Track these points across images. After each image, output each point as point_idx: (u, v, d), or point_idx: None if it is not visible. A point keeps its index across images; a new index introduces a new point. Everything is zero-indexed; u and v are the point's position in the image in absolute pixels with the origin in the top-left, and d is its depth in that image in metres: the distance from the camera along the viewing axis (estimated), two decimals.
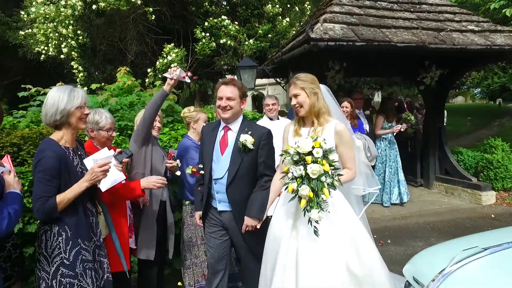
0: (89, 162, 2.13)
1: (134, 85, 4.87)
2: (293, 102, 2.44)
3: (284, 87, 7.85)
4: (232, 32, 8.88)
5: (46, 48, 8.92)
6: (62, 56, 8.66)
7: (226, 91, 2.60)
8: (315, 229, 2.09)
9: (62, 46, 8.44)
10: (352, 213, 2.35)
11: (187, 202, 3.29)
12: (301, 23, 9.82)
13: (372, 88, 16.85)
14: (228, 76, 11.50)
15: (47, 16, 8.56)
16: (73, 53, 8.50)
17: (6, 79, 12.76)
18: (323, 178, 2.04)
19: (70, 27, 8.19)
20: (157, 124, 3.12)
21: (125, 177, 2.44)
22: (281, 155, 2.29)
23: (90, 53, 9.11)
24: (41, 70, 11.49)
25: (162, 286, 3.23)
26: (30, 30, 8.97)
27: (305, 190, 2.05)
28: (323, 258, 2.14)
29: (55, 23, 8.59)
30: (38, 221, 2.66)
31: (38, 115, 3.97)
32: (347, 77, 6.98)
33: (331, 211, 2.17)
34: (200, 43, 8.45)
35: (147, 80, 7.92)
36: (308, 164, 2.05)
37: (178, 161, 3.08)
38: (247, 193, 2.57)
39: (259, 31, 9.47)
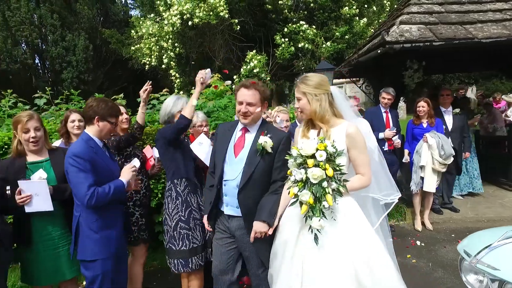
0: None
1: (225, 89, 5.68)
2: (296, 105, 2.33)
3: (361, 87, 8.02)
4: (310, 36, 9.32)
5: (149, 59, 10.51)
6: (163, 66, 10.13)
7: (246, 96, 2.45)
8: (315, 237, 1.98)
9: (163, 57, 9.88)
10: (365, 222, 2.18)
11: None
12: (380, 21, 9.81)
13: (464, 82, 15.64)
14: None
15: (151, 33, 10.11)
16: (171, 63, 9.89)
17: (116, 86, 15.12)
18: (324, 184, 1.93)
19: (170, 41, 9.57)
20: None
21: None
22: (289, 158, 2.12)
23: (184, 62, 10.45)
24: (144, 78, 13.47)
25: None
26: (138, 46, 10.66)
27: (305, 196, 1.95)
28: (330, 269, 2.01)
29: (157, 38, 10.11)
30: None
31: (151, 116, 5.01)
32: (427, 75, 6.87)
33: (342, 219, 2.08)
34: (280, 48, 9.09)
35: (233, 86, 8.76)
36: (309, 167, 1.95)
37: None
38: (259, 199, 2.43)
39: (336, 34, 9.74)
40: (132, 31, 11.08)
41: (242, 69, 8.90)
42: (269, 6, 9.27)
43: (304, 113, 2.26)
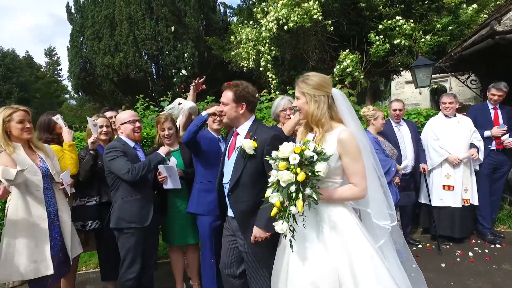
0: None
1: None
2: (294, 103, 2.28)
3: (465, 83, 7.52)
4: (406, 31, 9.01)
5: (247, 62, 11.46)
6: (261, 69, 10.96)
7: (222, 97, 2.55)
8: (290, 243, 1.93)
9: (261, 60, 10.69)
10: (359, 237, 2.02)
11: None
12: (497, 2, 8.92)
13: None
14: (403, 73, 11.44)
15: (249, 38, 11.02)
16: (268, 65, 10.65)
17: (216, 87, 16.68)
18: (292, 188, 1.84)
19: (266, 45, 10.31)
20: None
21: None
22: (268, 159, 2.08)
23: (280, 63, 11.10)
24: (241, 79, 14.64)
25: None
26: (237, 50, 11.70)
27: (274, 198, 1.90)
28: (311, 278, 1.95)
29: (254, 43, 10.97)
30: None
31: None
32: None
33: (328, 230, 2.00)
34: (374, 46, 9.03)
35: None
36: (280, 170, 1.90)
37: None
38: (252, 202, 2.41)
39: (437, 26, 9.20)
40: (232, 37, 12.21)
41: (335, 69, 9.12)
42: (363, 4, 9.26)
43: (302, 113, 2.20)
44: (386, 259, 2.10)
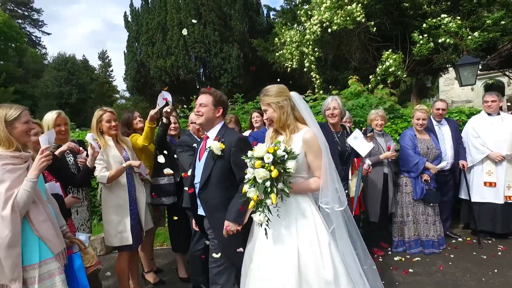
0: None
1: (363, 90, 6.36)
2: (265, 116, 2.49)
3: None
4: (452, 28, 8.90)
5: (291, 63, 11.88)
6: (305, 69, 11.36)
7: (199, 99, 2.71)
8: (265, 231, 2.15)
9: (305, 61, 11.09)
10: (318, 223, 2.27)
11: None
12: None
13: None
14: (451, 69, 11.16)
15: (292, 40, 11.45)
16: (312, 66, 11.02)
17: (260, 87, 17.28)
18: (267, 183, 2.05)
19: (310, 46, 10.69)
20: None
21: None
22: (244, 158, 2.25)
23: (323, 64, 11.43)
24: (284, 79, 15.11)
25: None
26: (281, 52, 12.17)
27: (251, 193, 2.11)
28: (273, 259, 2.19)
29: (297, 44, 11.37)
30: None
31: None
32: None
33: (292, 217, 2.23)
34: (418, 45, 9.05)
35: (369, 85, 8.98)
36: (256, 168, 2.09)
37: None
38: (220, 198, 2.56)
39: (487, 21, 9.00)
40: (276, 39, 12.71)
41: (377, 69, 9.26)
42: (406, 4, 9.30)
43: (274, 122, 2.39)
44: (339, 245, 2.31)
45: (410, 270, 4.05)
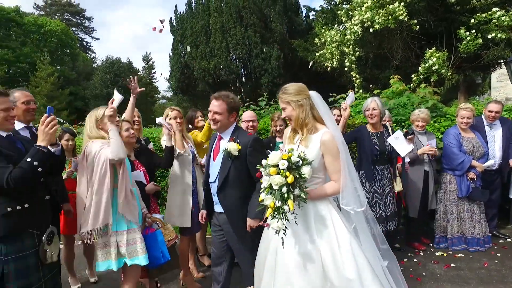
0: None
1: (404, 89, 6.42)
2: (283, 115, 2.46)
3: None
4: (505, 22, 8.51)
5: (331, 62, 11.99)
6: (345, 69, 11.44)
7: (213, 106, 2.74)
8: (282, 241, 2.11)
9: (345, 61, 11.16)
10: (339, 226, 2.26)
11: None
12: None
13: None
14: (502, 66, 10.62)
15: (332, 39, 11.55)
16: (352, 65, 11.07)
17: None
18: (284, 189, 2.03)
19: (351, 46, 10.75)
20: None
21: None
22: (259, 167, 2.21)
23: (363, 63, 11.42)
24: (323, 78, 15.18)
25: None
26: (321, 51, 12.31)
27: (268, 200, 2.09)
28: (299, 264, 2.18)
29: (338, 44, 11.45)
30: None
31: None
32: None
33: (316, 221, 2.23)
34: (464, 42, 8.81)
35: (411, 84, 8.78)
36: (272, 175, 2.07)
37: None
38: (239, 197, 2.66)
39: None
40: (316, 39, 12.85)
41: (420, 67, 9.13)
42: (452, 0, 9.07)
43: (292, 121, 2.38)
44: (362, 243, 2.32)
45: (452, 265, 4.11)
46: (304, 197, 2.09)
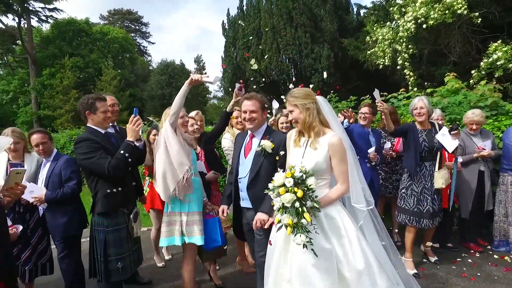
0: None
1: (461, 87, 6.25)
2: (290, 117, 2.55)
3: None
4: None
5: (383, 60, 11.76)
6: (397, 67, 11.18)
7: (248, 105, 2.90)
8: (312, 251, 2.17)
9: (398, 59, 10.91)
10: (350, 223, 2.36)
11: None
12: None
13: None
14: None
15: (384, 37, 11.33)
16: (405, 63, 10.80)
17: (349, 85, 17.27)
18: (297, 204, 2.11)
19: (404, 44, 10.49)
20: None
21: None
22: (265, 190, 2.32)
23: (417, 60, 11.07)
24: (375, 76, 14.86)
25: None
26: (372, 50, 12.13)
27: (285, 219, 2.16)
28: (315, 263, 2.23)
29: (390, 41, 11.21)
30: None
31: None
32: None
33: (327, 221, 2.31)
34: None
35: (471, 80, 8.42)
36: (281, 194, 2.16)
37: None
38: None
39: None
40: (367, 37, 12.67)
41: (482, 63, 8.66)
42: None
43: (299, 124, 2.48)
44: (368, 239, 2.45)
45: None
46: (318, 206, 2.18)
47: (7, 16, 27.24)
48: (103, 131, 3.03)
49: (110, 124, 3.57)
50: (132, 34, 45.10)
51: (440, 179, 3.93)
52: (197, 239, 3.12)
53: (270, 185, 2.24)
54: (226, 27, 18.79)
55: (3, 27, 28.95)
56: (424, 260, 4.43)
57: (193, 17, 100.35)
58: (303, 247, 2.14)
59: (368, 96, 6.77)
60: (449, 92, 6.31)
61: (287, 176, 2.16)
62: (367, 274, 2.23)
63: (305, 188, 2.15)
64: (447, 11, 8.90)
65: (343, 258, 2.27)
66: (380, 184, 4.72)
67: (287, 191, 2.14)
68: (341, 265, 2.26)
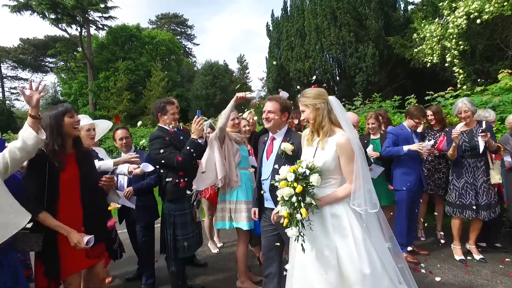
0: None
1: None
2: (301, 117, 2.58)
3: None
4: None
5: (431, 58, 11.46)
6: (446, 65, 10.87)
7: (267, 106, 3.02)
8: (302, 247, 2.23)
9: (446, 56, 10.61)
10: (355, 223, 2.35)
11: None
12: None
13: None
14: None
15: (432, 34, 11.04)
16: (455, 60, 10.47)
17: (395, 83, 16.90)
18: (293, 199, 2.17)
19: (453, 40, 10.18)
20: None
21: None
22: (273, 182, 2.39)
23: (468, 56, 10.67)
24: (422, 74, 14.46)
25: None
26: (420, 47, 11.86)
27: (282, 211, 2.24)
28: (316, 261, 2.28)
29: (439, 38, 10.90)
30: None
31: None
32: None
33: (332, 220, 2.32)
34: None
35: None
36: (282, 188, 2.23)
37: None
38: None
39: None
40: (414, 35, 12.39)
41: None
42: None
43: (310, 123, 2.52)
44: (372, 239, 2.41)
45: None
46: (315, 204, 2.22)
47: (71, 27, 30.02)
48: (172, 130, 3.53)
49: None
50: (178, 37, 47.07)
51: (496, 175, 4.11)
52: (243, 225, 3.54)
53: (277, 177, 2.30)
54: (270, 28, 19.21)
55: (68, 36, 31.95)
56: (469, 258, 4.46)
57: (235, 18, 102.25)
58: (295, 240, 2.23)
59: (413, 95, 6.74)
60: (502, 90, 6.12)
61: (290, 171, 2.22)
62: (372, 274, 2.24)
63: (304, 184, 2.19)
64: (505, 3, 8.51)
65: (347, 257, 2.27)
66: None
67: (287, 185, 2.21)
68: (344, 265, 2.26)
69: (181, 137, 3.60)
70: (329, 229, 2.31)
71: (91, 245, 2.47)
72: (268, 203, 3.05)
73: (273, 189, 2.86)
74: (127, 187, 3.69)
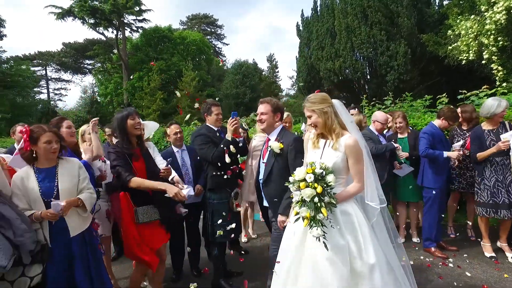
0: None
1: None
2: (309, 122, 2.62)
3: None
4: None
5: (466, 55, 11.16)
6: (483, 62, 10.56)
7: (260, 108, 3.17)
8: (324, 244, 2.25)
9: (484, 53, 10.31)
10: (363, 220, 2.44)
11: None
12: None
13: None
14: None
15: (468, 31, 10.75)
16: (493, 57, 10.16)
17: (428, 81, 16.50)
18: (316, 199, 2.21)
19: (491, 37, 9.89)
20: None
21: None
22: (288, 184, 2.40)
23: (508, 53, 10.30)
24: (458, 72, 14.03)
25: None
26: (455, 44, 11.56)
27: (303, 212, 2.26)
28: (327, 257, 2.31)
29: (475, 34, 10.59)
30: None
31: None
32: None
33: (341, 217, 2.39)
34: None
35: None
36: (302, 189, 2.26)
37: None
38: (280, 190, 2.86)
39: None
40: (449, 31, 12.08)
41: None
42: None
43: (318, 128, 2.58)
44: (378, 236, 2.55)
45: None
46: (335, 202, 2.29)
47: (108, 30, 31.64)
48: (215, 128, 3.90)
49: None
50: (208, 37, 47.99)
51: None
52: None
53: (291, 178, 2.34)
54: (301, 28, 19.30)
55: (105, 39, 33.64)
56: (500, 256, 4.49)
57: (264, 17, 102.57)
58: (317, 239, 2.25)
59: (445, 94, 6.71)
60: None
61: (308, 172, 2.27)
62: (379, 269, 2.33)
63: (324, 185, 2.25)
64: None
65: (357, 253, 2.35)
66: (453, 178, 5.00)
67: (307, 186, 2.25)
68: (354, 261, 2.34)
69: (223, 135, 3.93)
70: (342, 226, 2.40)
71: (192, 194, 3.13)
72: (265, 202, 3.23)
73: (265, 185, 3.11)
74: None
